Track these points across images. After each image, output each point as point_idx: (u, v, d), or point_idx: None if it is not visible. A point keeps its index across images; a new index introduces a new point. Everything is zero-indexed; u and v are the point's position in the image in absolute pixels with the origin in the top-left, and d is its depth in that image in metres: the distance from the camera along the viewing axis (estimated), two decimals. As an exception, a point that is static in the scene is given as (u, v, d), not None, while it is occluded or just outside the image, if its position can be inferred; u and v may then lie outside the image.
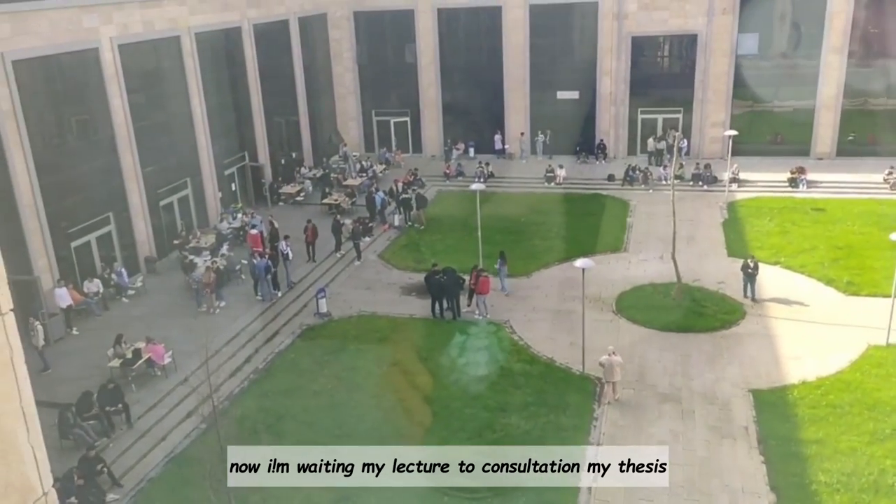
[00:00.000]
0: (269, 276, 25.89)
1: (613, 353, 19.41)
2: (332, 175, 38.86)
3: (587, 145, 40.70)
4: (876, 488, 15.58)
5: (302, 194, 36.95)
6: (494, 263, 25.82)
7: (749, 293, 24.16)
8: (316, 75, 41.40)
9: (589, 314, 21.80)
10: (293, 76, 39.16)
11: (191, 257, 27.62)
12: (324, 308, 24.88)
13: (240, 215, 32.62)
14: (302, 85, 39.71)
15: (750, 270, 24.00)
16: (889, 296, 21.37)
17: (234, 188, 35.00)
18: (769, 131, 38.97)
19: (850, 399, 18.72)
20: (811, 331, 22.19)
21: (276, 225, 30.09)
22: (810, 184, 34.40)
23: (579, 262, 20.49)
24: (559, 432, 18.12)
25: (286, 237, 28.19)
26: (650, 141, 39.57)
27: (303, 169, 39.37)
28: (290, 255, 27.41)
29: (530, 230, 31.22)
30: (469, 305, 24.73)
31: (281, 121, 38.75)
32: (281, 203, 36.23)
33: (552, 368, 21.12)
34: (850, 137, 37.66)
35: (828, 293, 24.58)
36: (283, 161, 38.48)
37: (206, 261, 27.26)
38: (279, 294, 26.37)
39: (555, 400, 19.50)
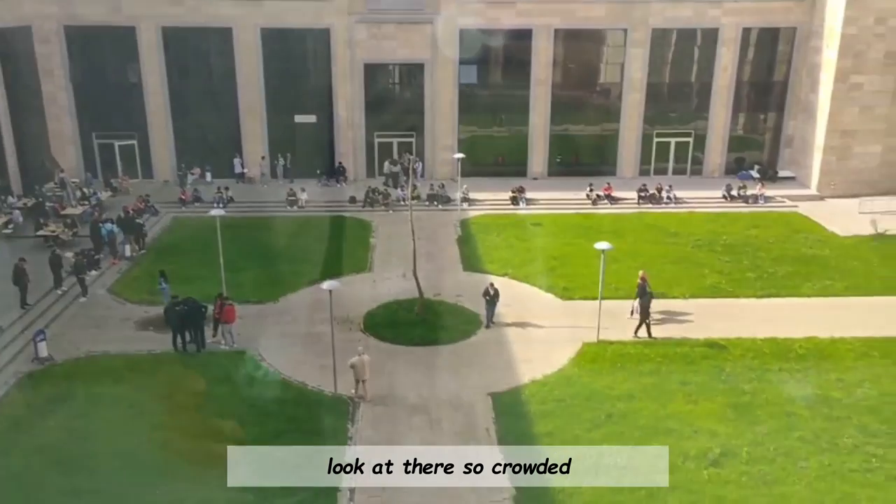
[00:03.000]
0: (-28, 322, 22.65)
1: (362, 352, 20.64)
2: (48, 204, 34.98)
3: (328, 168, 41.24)
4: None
5: (10, 226, 32.77)
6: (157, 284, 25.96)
7: (490, 319, 25.00)
8: (22, 94, 37.01)
9: (338, 335, 22.11)
10: (-7, 94, 34.73)
11: None
12: (44, 352, 22.33)
13: (-71, 254, 28.12)
14: (4, 105, 35.31)
15: (489, 297, 25.07)
16: (597, 298, 24.49)
17: (-80, 222, 30.08)
18: (492, 154, 42.54)
19: (571, 392, 21.11)
20: (537, 334, 24.65)
21: (-21, 263, 26.43)
22: (529, 201, 38.19)
23: (326, 284, 20.83)
24: (315, 457, 18.09)
25: (-8, 276, 24.88)
26: (386, 164, 41.18)
27: (10, 198, 34.93)
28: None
29: (275, 254, 30.81)
30: (214, 336, 23.78)
31: (-21, 144, 34.11)
32: (-17, 237, 31.87)
33: (304, 393, 21.08)
34: (558, 159, 42.46)
35: (548, 299, 27.46)
36: (-17, 190, 33.90)
37: None
38: (-13, 341, 23.18)
39: (309, 425, 19.47)
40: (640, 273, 25.47)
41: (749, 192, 38.78)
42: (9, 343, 23.39)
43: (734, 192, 38.88)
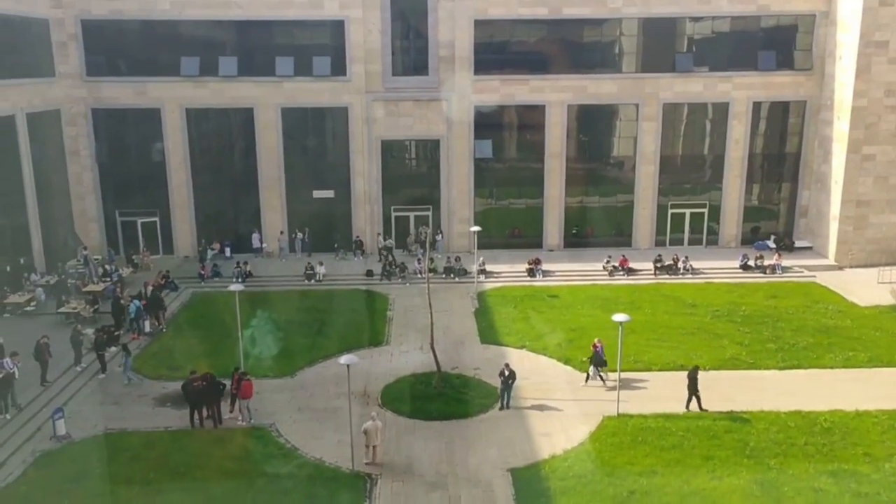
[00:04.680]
0: (-7, 400, 22.79)
1: (375, 417, 20.98)
2: (70, 281, 35.55)
3: (345, 242, 41.73)
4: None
5: (33, 304, 33.25)
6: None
7: (504, 401, 24.13)
8: (48, 174, 38.13)
9: (355, 410, 21.98)
10: (21, 175, 35.76)
11: None
12: (62, 430, 22.31)
13: (-46, 331, 28.48)
14: (31, 185, 36.36)
15: (504, 378, 24.07)
16: (615, 371, 24.24)
17: (-54, 300, 30.60)
18: (508, 226, 42.95)
19: (592, 468, 20.67)
20: (556, 408, 24.29)
21: (1, 340, 26.68)
22: (545, 273, 38.28)
23: (344, 359, 20.91)
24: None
25: (13, 354, 25.05)
26: (379, 238, 40.97)
27: (33, 275, 35.57)
28: (17, 373, 24.35)
29: (293, 328, 30.92)
30: (231, 411, 23.70)
31: (5, 223, 34.98)
32: (7, 315, 32.24)
33: (322, 469, 20.82)
34: (574, 231, 42.76)
35: (566, 371, 27.16)
36: (8, 268, 34.53)
37: None
38: (8, 418, 23.21)
39: (326, 502, 19.16)
40: (595, 340, 25.82)
41: (766, 263, 38.68)
42: (28, 421, 23.42)
43: (751, 263, 38.80)
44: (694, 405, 23.79)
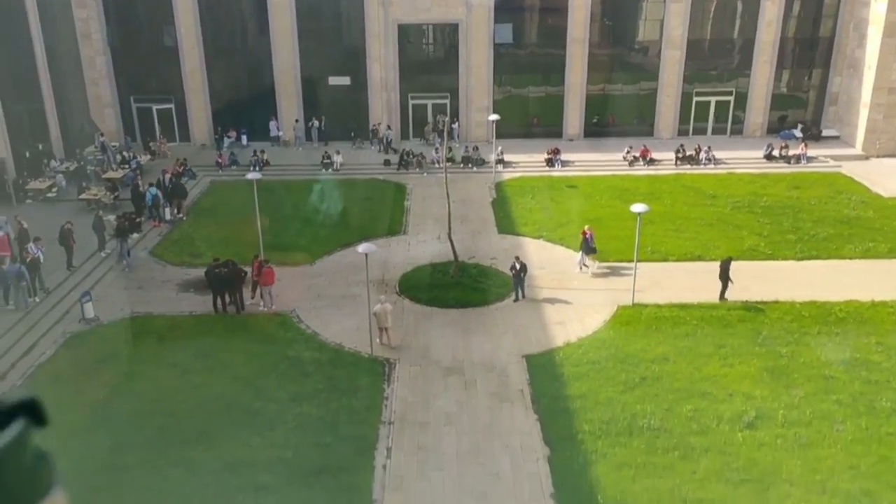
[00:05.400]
0: (23, 283, 23.35)
1: (384, 301, 21.43)
2: (90, 168, 35.68)
3: (361, 131, 41.20)
4: (630, 430, 17.83)
5: (54, 190, 33.58)
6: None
7: (518, 294, 24.17)
8: (61, 58, 37.50)
9: (374, 297, 22.36)
10: (34, 59, 35.22)
11: (-81, 268, 24.05)
12: (90, 313, 22.97)
13: (-21, 217, 28.92)
14: (45, 69, 35.84)
15: (515, 271, 23.99)
16: (632, 261, 24.33)
17: (-32, 186, 30.93)
18: (527, 115, 42.06)
19: (605, 355, 21.12)
20: (572, 297, 24.59)
21: (25, 225, 27.12)
22: (564, 163, 37.81)
23: (362, 247, 21.04)
24: (352, 415, 18.53)
25: (37, 239, 25.50)
26: (381, 127, 40.20)
27: (53, 162, 35.70)
28: (42, 258, 24.89)
29: (311, 217, 31.10)
30: (253, 298, 24.23)
31: (22, 108, 34.78)
32: (29, 201, 32.65)
33: (341, 354, 21.44)
34: (595, 120, 41.84)
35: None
36: (27, 154, 34.62)
37: (-61, 271, 23.91)
38: (37, 301, 23.93)
39: (345, 384, 19.86)
40: (585, 228, 26.00)
41: (791, 152, 37.87)
42: (56, 304, 24.15)
43: (775, 152, 37.99)
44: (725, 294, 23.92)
